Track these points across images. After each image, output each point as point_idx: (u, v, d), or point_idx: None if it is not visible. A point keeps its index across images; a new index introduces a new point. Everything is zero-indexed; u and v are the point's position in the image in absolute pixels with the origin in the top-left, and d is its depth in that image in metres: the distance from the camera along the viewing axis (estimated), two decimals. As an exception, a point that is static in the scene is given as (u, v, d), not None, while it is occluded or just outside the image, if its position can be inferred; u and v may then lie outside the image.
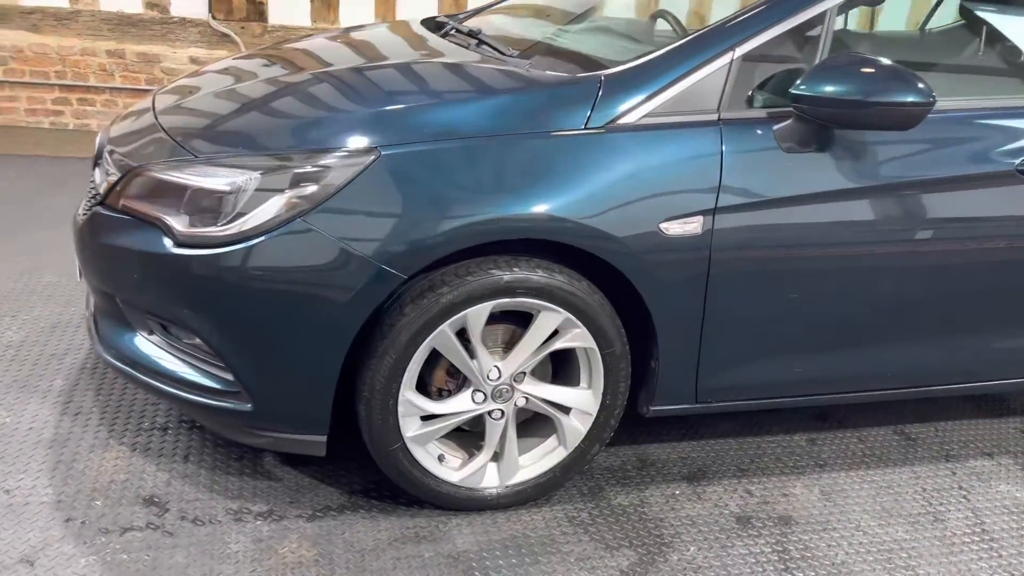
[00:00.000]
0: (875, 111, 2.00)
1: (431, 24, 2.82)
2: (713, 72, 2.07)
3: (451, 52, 2.46)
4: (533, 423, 2.24)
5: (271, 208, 1.87)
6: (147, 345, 2.12)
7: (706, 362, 2.22)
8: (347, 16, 5.45)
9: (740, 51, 2.09)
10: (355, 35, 2.83)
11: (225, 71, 2.54)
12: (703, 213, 2.04)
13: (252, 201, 1.88)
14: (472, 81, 2.24)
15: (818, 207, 2.12)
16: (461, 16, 3.07)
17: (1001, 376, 2.58)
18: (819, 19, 2.14)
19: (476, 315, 1.99)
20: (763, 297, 2.18)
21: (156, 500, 2.13)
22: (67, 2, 5.13)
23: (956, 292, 2.33)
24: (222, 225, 1.89)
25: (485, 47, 2.43)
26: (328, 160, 1.89)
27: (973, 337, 2.43)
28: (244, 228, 1.87)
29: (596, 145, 1.99)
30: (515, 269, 1.98)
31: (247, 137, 2.02)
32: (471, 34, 2.57)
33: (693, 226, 2.04)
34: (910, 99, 1.99)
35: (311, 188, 1.87)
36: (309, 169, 1.88)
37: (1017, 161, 2.24)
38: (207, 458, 2.30)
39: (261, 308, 1.91)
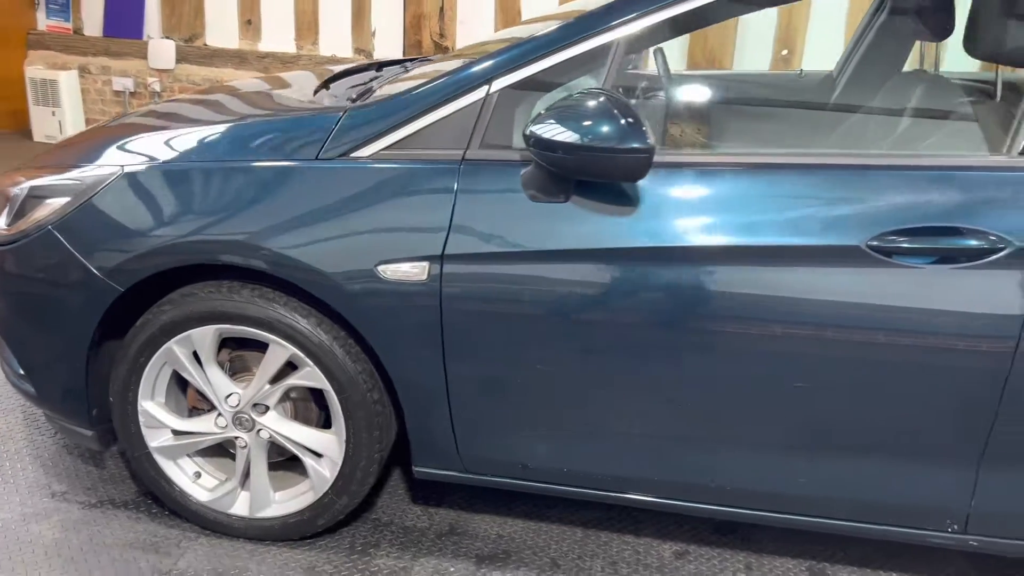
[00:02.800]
0: (585, 157, 1.67)
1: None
2: (464, 108, 1.87)
3: (283, 88, 2.51)
4: (300, 460, 2.17)
5: (37, 214, 2.07)
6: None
7: (463, 428, 1.99)
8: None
9: (498, 85, 1.87)
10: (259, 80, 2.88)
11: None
12: (429, 259, 1.85)
13: (27, 205, 2.10)
14: (240, 110, 2.24)
15: (563, 267, 1.81)
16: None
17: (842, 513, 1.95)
18: (601, 52, 1.84)
19: (201, 337, 2.01)
20: (508, 362, 1.90)
21: None
22: (294, 47, 5.90)
23: (766, 392, 1.83)
24: (7, 225, 2.13)
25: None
26: (81, 176, 2.05)
27: (799, 454, 1.88)
28: (19, 229, 2.10)
29: (319, 177, 1.91)
30: (234, 296, 1.96)
31: (62, 154, 2.23)
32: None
33: (416, 272, 1.86)
34: (624, 144, 1.64)
35: (63, 200, 2.04)
36: (65, 182, 2.05)
37: (867, 236, 1.71)
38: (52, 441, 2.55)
39: (22, 303, 2.11)
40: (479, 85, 1.88)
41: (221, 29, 5.84)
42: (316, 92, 2.37)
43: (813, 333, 1.76)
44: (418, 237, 1.85)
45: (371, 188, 1.89)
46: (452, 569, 2.13)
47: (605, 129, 1.65)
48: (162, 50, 5.81)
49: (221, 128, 2.07)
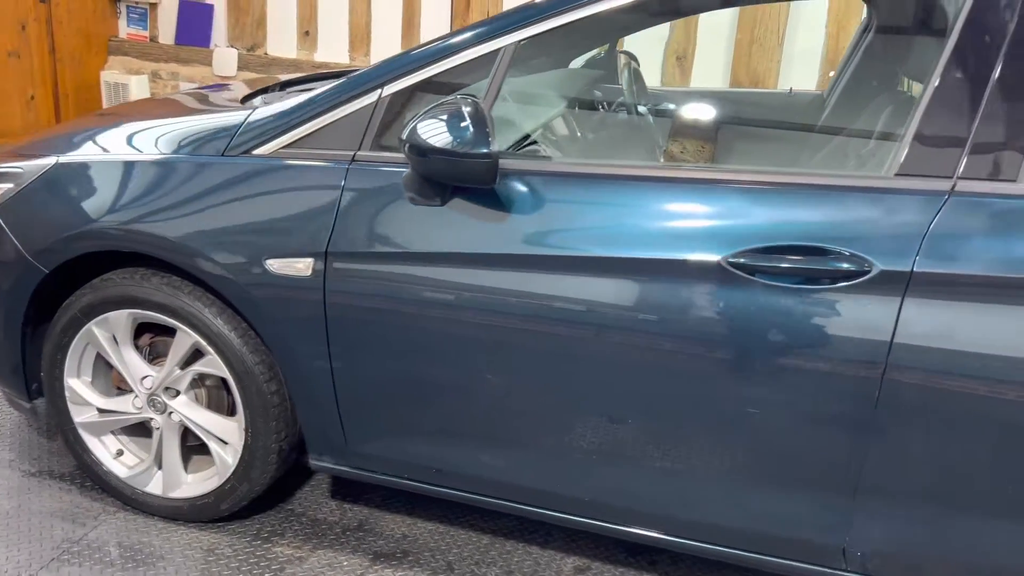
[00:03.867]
0: (438, 161, 1.70)
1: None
2: (358, 111, 1.93)
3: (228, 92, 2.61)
4: (214, 445, 2.25)
5: (-7, 198, 2.24)
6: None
7: (350, 423, 2.04)
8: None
9: (390, 90, 1.91)
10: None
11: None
12: (314, 255, 1.90)
13: (-14, 189, 2.26)
14: (177, 110, 2.35)
15: (437, 269, 1.83)
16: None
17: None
18: (488, 60, 1.86)
19: (116, 320, 2.12)
20: (389, 361, 1.93)
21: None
22: (347, 58, 6.09)
23: (628, 406, 1.80)
24: None
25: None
26: (24, 164, 2.19)
27: (678, 475, 1.83)
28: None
29: (220, 172, 1.99)
30: (144, 283, 2.07)
31: (28, 144, 2.38)
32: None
33: (302, 267, 1.91)
34: (469, 150, 1.65)
35: (8, 185, 2.19)
36: (12, 169, 2.21)
37: (728, 252, 1.67)
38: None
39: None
40: (372, 89, 1.93)
41: (281, 39, 6.09)
42: (247, 98, 2.47)
43: (674, 348, 1.73)
44: (305, 234, 1.91)
45: (265, 184, 1.96)
46: (346, 563, 2.17)
47: (453, 135, 1.68)
48: (226, 58, 6.11)
49: (149, 125, 2.19)
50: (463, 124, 1.67)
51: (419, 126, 1.73)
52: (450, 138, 1.68)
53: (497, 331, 1.82)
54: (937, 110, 1.65)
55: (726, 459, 1.78)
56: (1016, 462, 1.62)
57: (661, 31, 4.57)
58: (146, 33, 6.46)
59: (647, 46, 4.24)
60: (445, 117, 1.70)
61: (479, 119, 1.68)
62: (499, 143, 1.81)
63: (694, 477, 1.82)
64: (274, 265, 1.93)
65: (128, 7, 6.42)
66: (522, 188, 1.80)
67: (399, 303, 1.87)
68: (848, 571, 1.82)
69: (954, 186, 1.62)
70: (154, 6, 6.30)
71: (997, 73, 1.62)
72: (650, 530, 1.93)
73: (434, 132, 1.70)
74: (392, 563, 2.18)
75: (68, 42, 6.10)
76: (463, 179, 1.74)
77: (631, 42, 3.79)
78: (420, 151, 1.73)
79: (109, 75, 6.31)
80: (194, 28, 6.26)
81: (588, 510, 1.96)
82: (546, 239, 1.77)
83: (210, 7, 6.18)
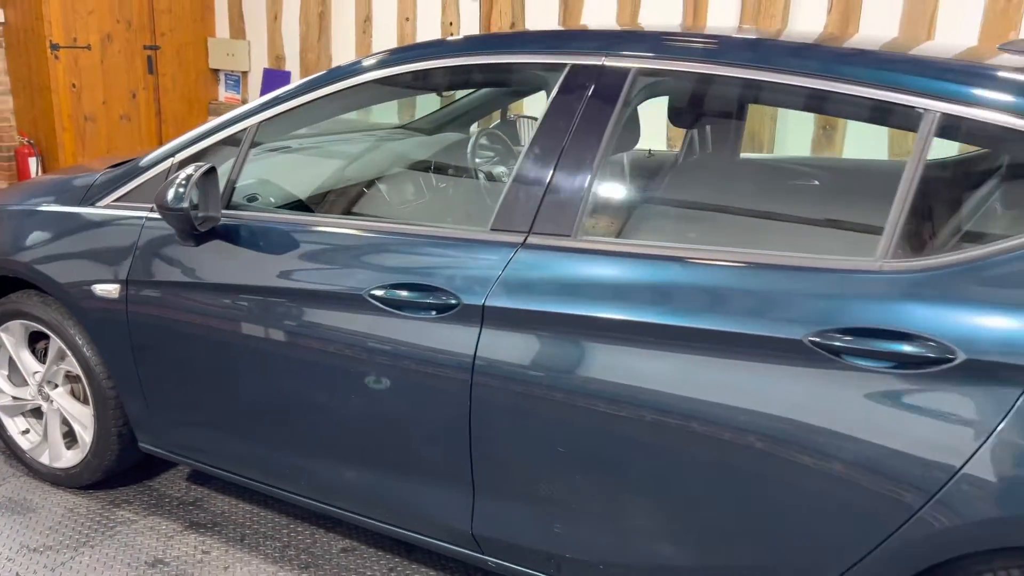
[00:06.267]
0: (162, 213, 2.28)
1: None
2: (158, 174, 2.55)
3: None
4: (89, 429, 2.90)
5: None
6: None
7: (154, 413, 2.62)
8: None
9: (177, 159, 2.52)
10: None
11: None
12: (119, 282, 2.52)
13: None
14: (79, 171, 3.00)
15: (192, 294, 2.39)
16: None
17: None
18: (241, 135, 2.42)
19: (14, 328, 2.85)
20: (172, 368, 2.51)
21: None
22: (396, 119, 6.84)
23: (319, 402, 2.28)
24: None
25: None
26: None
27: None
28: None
29: (74, 218, 2.67)
30: (28, 300, 2.77)
31: None
32: None
33: (112, 290, 2.54)
34: (171, 206, 2.22)
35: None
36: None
37: (366, 287, 2.13)
38: None
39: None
40: (168, 158, 2.55)
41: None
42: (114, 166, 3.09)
43: (335, 364, 2.20)
44: (116, 265, 2.54)
45: (98, 226, 2.62)
46: (164, 527, 2.75)
47: (168, 195, 2.25)
48: (296, 118, 7.02)
49: (53, 180, 2.92)
50: (173, 187, 2.24)
51: (161, 188, 2.32)
52: (165, 197, 2.25)
53: (227, 343, 2.37)
54: (521, 178, 2.06)
55: (383, 458, 2.23)
56: (581, 458, 1.96)
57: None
58: (239, 96, 7.51)
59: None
60: (170, 182, 2.28)
61: (184, 183, 2.24)
62: (261, 197, 2.40)
63: (378, 471, 2.28)
64: (98, 289, 2.57)
65: (226, 75, 7.50)
66: (242, 234, 2.35)
67: (171, 321, 2.46)
68: (482, 553, 2.20)
69: (525, 239, 2.01)
70: (245, 74, 7.33)
71: (565, 150, 2.01)
72: (355, 512, 2.39)
73: (162, 192, 2.28)
74: (200, 529, 2.74)
75: (172, 107, 7.21)
76: (177, 228, 2.32)
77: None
78: (158, 206, 2.31)
79: (203, 133, 7.38)
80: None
81: (296, 486, 2.46)
82: (249, 272, 2.31)
83: (288, 73, 7.10)
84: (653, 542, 1.96)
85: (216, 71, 7.47)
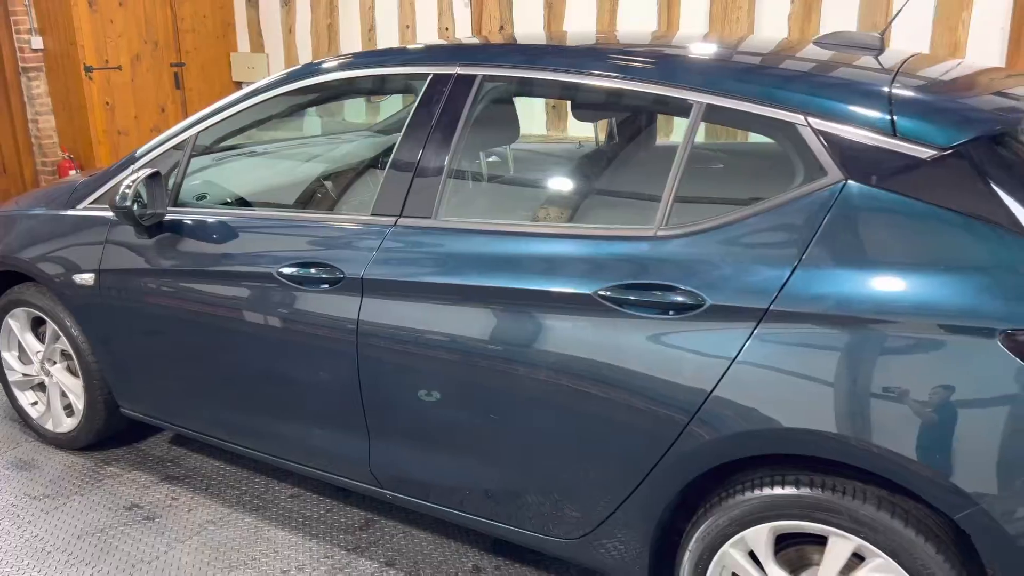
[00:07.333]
0: (114, 210, 2.74)
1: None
2: (123, 177, 3.02)
3: None
4: (84, 399, 3.40)
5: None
6: None
7: (128, 380, 3.10)
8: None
9: (140, 163, 2.99)
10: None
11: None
12: (94, 271, 3.00)
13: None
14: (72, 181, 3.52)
15: (145, 279, 2.86)
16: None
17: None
18: (186, 142, 2.88)
19: (18, 313, 3.36)
20: (137, 343, 2.98)
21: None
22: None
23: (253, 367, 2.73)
24: None
25: None
26: (-18, 216, 3.50)
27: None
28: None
29: (59, 220, 3.16)
30: (29, 291, 3.27)
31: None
32: None
33: (89, 279, 3.02)
34: (120, 204, 2.69)
35: (-26, 230, 3.50)
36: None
37: (275, 266, 2.55)
38: None
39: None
40: (131, 163, 3.02)
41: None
42: None
43: (259, 334, 2.64)
44: (92, 257, 3.02)
45: (77, 225, 3.11)
46: (143, 479, 3.23)
47: (118, 195, 2.71)
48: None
49: (48, 190, 3.43)
50: (123, 188, 2.70)
51: (112, 190, 2.78)
52: (115, 198, 2.72)
53: (179, 320, 2.83)
54: (394, 170, 2.46)
55: (301, 412, 2.66)
56: (443, 403, 2.36)
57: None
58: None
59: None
60: (118, 185, 2.74)
61: (129, 185, 2.70)
62: (209, 196, 2.87)
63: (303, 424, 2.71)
64: (79, 278, 3.06)
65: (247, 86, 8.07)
66: (184, 227, 2.80)
67: (134, 303, 2.93)
68: (380, 488, 2.61)
69: (396, 221, 2.41)
70: (265, 85, 7.88)
71: (427, 144, 2.41)
72: (285, 459, 2.82)
73: (112, 194, 2.75)
74: (173, 481, 3.21)
75: (200, 118, 7.80)
76: (128, 223, 2.79)
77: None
78: (110, 206, 2.78)
79: (228, 142, 7.96)
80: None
81: (241, 439, 2.90)
82: (190, 258, 2.76)
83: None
84: (494, 468, 2.34)
85: (239, 83, 8.02)
